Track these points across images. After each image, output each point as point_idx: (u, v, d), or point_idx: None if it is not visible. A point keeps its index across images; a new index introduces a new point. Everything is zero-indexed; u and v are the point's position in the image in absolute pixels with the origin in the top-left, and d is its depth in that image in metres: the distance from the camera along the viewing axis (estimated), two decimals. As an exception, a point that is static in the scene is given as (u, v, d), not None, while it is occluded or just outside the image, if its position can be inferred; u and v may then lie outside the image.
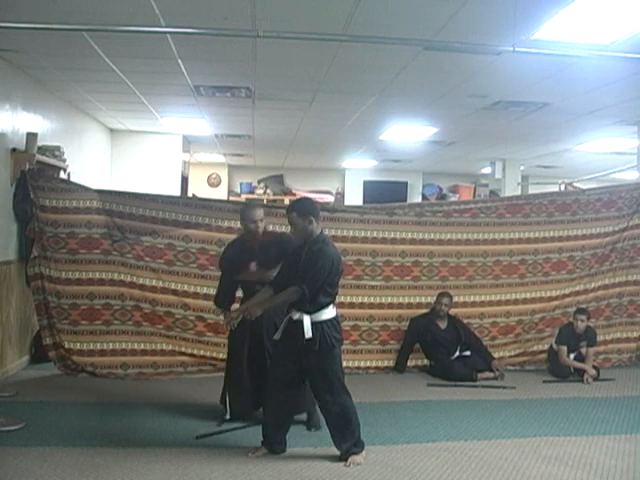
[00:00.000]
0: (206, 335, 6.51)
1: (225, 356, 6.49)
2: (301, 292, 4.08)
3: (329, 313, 4.20)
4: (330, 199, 14.90)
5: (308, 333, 4.05)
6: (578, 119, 8.05)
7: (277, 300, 4.26)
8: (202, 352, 6.53)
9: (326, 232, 6.67)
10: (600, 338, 6.94)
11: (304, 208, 4.33)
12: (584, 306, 6.94)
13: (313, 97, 7.30)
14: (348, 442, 4.16)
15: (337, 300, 6.82)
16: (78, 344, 6.31)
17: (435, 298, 6.73)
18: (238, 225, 6.51)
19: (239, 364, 4.90)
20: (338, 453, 4.23)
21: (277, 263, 4.62)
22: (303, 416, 4.76)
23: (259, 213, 4.93)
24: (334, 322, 4.22)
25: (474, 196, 14.75)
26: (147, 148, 10.50)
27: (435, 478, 4.03)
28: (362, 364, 6.72)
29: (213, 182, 15.12)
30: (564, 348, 6.67)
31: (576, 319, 6.67)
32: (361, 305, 6.75)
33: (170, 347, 6.50)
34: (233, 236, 6.52)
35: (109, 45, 5.42)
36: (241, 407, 4.91)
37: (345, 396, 4.15)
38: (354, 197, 14.97)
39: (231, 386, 4.98)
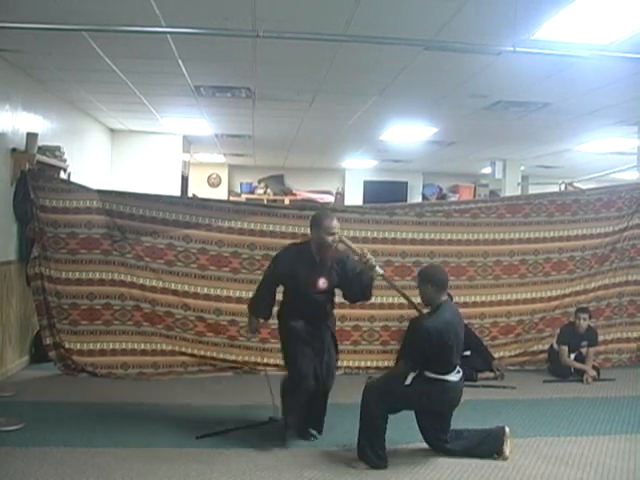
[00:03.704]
0: (206, 335, 6.51)
1: (225, 356, 6.57)
2: (404, 367, 4.23)
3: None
4: (330, 199, 14.90)
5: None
6: (578, 119, 8.05)
7: (391, 373, 4.66)
8: (202, 352, 6.53)
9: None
10: (600, 338, 6.93)
11: (427, 276, 4.35)
12: (585, 305, 6.94)
13: (313, 97, 7.30)
14: None
15: (338, 300, 6.85)
16: (78, 344, 6.31)
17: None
18: (239, 225, 6.59)
19: (306, 379, 4.44)
20: (338, 453, 4.24)
21: (336, 285, 4.51)
22: None
23: (337, 224, 4.48)
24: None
25: (474, 196, 14.75)
26: (147, 148, 10.50)
27: (436, 478, 4.03)
28: (363, 364, 6.72)
29: (213, 182, 15.12)
30: (565, 348, 6.67)
31: (578, 318, 6.67)
32: (361, 305, 6.73)
33: (170, 347, 6.50)
34: (234, 236, 6.57)
35: (109, 45, 5.42)
36: (298, 423, 4.62)
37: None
38: (354, 197, 14.97)
39: (294, 398, 4.53)
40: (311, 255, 4.48)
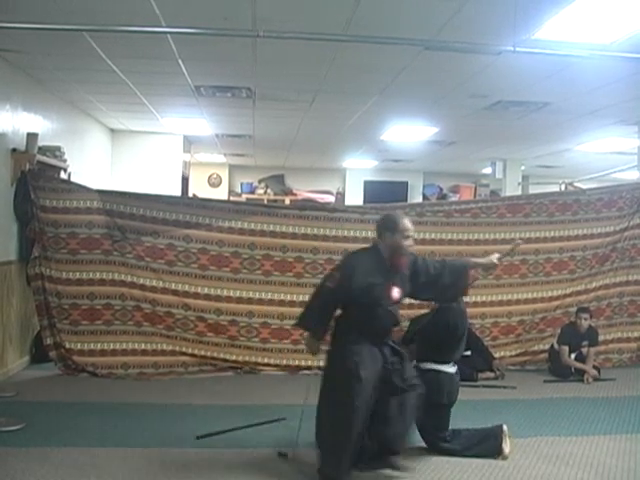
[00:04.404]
0: (207, 335, 6.51)
1: (226, 356, 6.56)
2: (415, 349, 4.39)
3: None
4: (331, 199, 14.89)
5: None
6: (579, 119, 8.04)
7: None
8: (203, 352, 6.53)
9: (326, 232, 6.76)
10: (601, 338, 6.93)
11: None
12: (586, 305, 6.94)
13: (313, 97, 7.30)
14: None
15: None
16: (79, 344, 6.31)
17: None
18: (239, 225, 6.59)
19: (358, 411, 3.78)
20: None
21: (408, 294, 4.09)
22: None
23: (412, 225, 4.04)
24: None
25: (475, 196, 14.74)
26: (148, 148, 10.50)
27: (436, 478, 4.03)
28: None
29: (214, 182, 15.12)
30: (565, 348, 6.67)
31: (579, 317, 6.67)
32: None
33: (171, 347, 6.50)
34: (234, 236, 6.57)
35: (110, 45, 5.42)
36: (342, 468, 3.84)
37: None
38: (355, 197, 14.96)
39: (335, 436, 3.82)
40: (383, 262, 3.95)
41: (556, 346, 6.80)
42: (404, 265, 3.99)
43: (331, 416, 3.85)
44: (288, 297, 6.63)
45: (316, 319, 3.98)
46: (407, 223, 3.96)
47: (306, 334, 4.20)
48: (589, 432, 4.96)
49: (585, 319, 6.65)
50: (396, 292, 3.93)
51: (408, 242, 3.94)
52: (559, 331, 6.88)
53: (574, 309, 6.94)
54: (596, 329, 6.84)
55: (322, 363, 4.19)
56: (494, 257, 4.23)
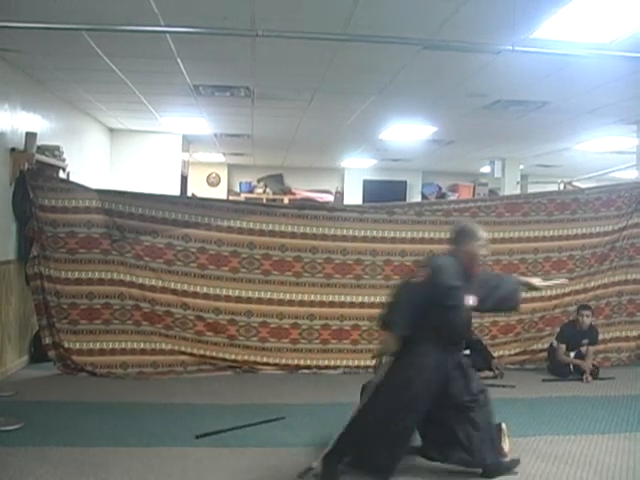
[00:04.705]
0: (205, 334, 6.52)
1: (225, 355, 6.56)
2: None
3: None
4: (329, 198, 14.89)
5: None
6: (577, 118, 8.05)
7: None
8: (202, 351, 6.54)
9: (325, 231, 6.77)
10: (600, 337, 6.93)
11: None
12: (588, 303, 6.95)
13: (312, 96, 7.30)
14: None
15: (338, 299, 6.79)
16: (77, 344, 6.31)
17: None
18: (238, 224, 6.59)
19: (410, 429, 3.92)
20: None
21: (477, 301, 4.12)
22: None
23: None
24: None
25: (473, 195, 14.75)
26: (146, 148, 10.49)
27: (435, 477, 4.03)
28: (362, 363, 6.69)
29: (212, 181, 15.11)
30: (563, 346, 6.69)
31: (581, 315, 6.68)
32: (361, 305, 6.75)
33: (170, 346, 6.50)
34: (233, 236, 6.58)
35: (109, 45, 5.42)
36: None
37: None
38: (353, 196, 14.95)
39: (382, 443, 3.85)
40: (461, 268, 4.00)
41: (555, 344, 6.81)
42: (479, 273, 4.12)
43: (384, 423, 3.87)
44: (287, 296, 6.65)
45: (406, 319, 3.85)
46: (484, 234, 4.12)
47: (386, 333, 3.97)
48: (588, 431, 4.96)
49: (587, 316, 6.67)
50: (472, 300, 4.01)
51: (483, 252, 4.08)
52: (558, 329, 6.89)
53: (573, 308, 6.95)
54: (596, 328, 6.84)
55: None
56: (536, 280, 4.66)
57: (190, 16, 4.63)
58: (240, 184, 15.30)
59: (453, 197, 14.49)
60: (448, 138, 10.17)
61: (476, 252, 4.02)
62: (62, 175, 7.16)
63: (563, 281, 5.25)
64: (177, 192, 10.49)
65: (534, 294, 7.05)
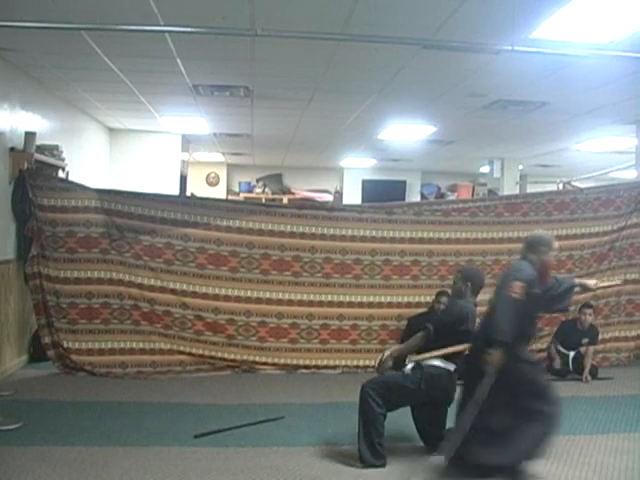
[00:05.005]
0: (204, 334, 6.52)
1: (224, 355, 6.56)
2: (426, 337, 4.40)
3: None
4: (329, 198, 14.89)
5: None
6: (576, 118, 8.05)
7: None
8: (201, 351, 6.54)
9: (324, 231, 6.78)
10: (599, 337, 6.93)
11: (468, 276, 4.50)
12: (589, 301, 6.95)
13: (311, 96, 7.30)
14: None
15: (337, 299, 6.79)
16: (77, 343, 6.32)
17: (434, 297, 6.72)
18: (237, 224, 6.60)
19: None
20: (336, 451, 4.24)
21: None
22: None
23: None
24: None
25: (473, 195, 14.75)
26: (146, 147, 10.49)
27: (435, 477, 4.03)
28: (361, 363, 6.72)
29: (212, 181, 15.10)
30: (557, 347, 6.77)
31: (583, 313, 6.69)
32: (360, 304, 6.76)
33: (169, 346, 6.50)
34: (232, 235, 6.59)
35: (108, 44, 5.42)
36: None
37: None
38: (353, 196, 14.95)
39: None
40: (535, 274, 4.13)
41: (555, 342, 6.84)
42: (549, 280, 4.31)
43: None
44: (286, 296, 6.65)
45: (509, 327, 3.84)
46: (556, 243, 4.35)
47: (497, 352, 3.82)
48: (587, 431, 4.97)
49: (589, 315, 6.68)
50: None
51: (554, 257, 4.33)
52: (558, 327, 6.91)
53: (572, 308, 6.93)
54: (597, 328, 6.85)
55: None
56: (592, 282, 4.92)
57: (189, 16, 4.63)
58: (239, 184, 15.30)
59: (452, 197, 14.50)
60: (447, 138, 10.17)
61: (551, 261, 4.26)
62: (61, 175, 7.15)
63: (617, 282, 5.32)
64: (176, 192, 10.48)
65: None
